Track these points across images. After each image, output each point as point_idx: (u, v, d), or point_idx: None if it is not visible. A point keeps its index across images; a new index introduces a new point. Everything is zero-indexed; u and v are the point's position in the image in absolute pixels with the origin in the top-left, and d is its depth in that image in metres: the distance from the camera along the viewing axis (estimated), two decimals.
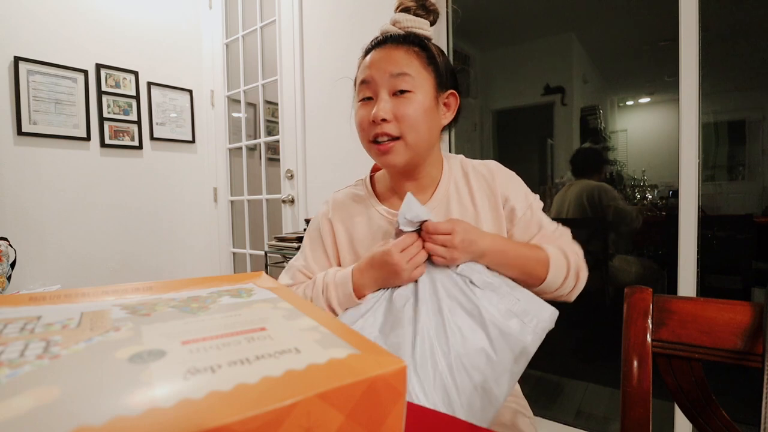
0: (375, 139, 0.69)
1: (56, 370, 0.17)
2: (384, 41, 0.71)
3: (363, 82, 0.70)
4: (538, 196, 0.77)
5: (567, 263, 0.70)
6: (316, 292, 0.72)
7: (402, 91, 0.68)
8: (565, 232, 0.76)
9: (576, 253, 0.72)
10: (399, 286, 0.66)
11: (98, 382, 0.16)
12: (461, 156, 0.81)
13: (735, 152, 1.78)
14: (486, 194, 0.75)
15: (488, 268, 0.67)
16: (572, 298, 0.73)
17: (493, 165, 0.77)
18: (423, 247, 0.65)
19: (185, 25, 2.63)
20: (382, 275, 0.66)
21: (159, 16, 2.49)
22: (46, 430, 0.13)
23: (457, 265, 0.65)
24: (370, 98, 0.70)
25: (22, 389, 0.16)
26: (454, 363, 0.58)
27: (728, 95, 1.74)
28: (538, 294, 0.70)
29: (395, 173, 0.76)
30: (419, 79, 0.68)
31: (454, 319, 0.61)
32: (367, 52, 0.73)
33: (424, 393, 0.56)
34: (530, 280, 0.69)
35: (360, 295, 0.68)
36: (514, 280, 0.70)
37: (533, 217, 0.74)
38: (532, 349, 0.63)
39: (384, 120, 0.67)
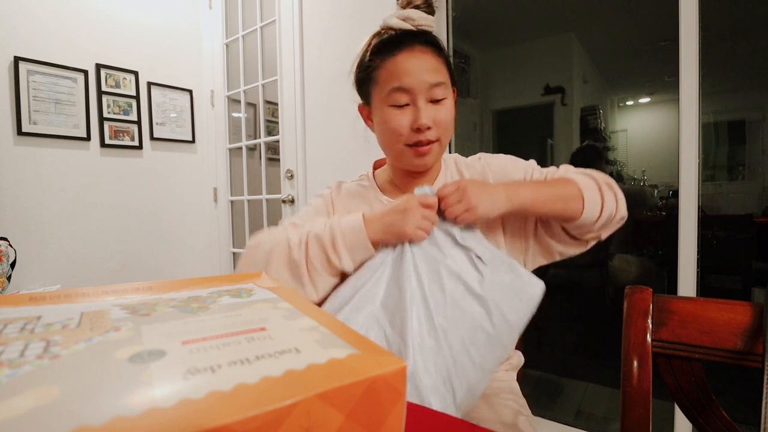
0: (415, 144, 0.71)
1: (56, 370, 0.17)
2: (408, 41, 0.70)
3: (400, 89, 0.70)
4: (533, 161, 0.78)
5: (592, 179, 0.69)
6: (316, 232, 0.67)
7: (439, 99, 0.70)
8: (569, 166, 0.76)
9: (591, 172, 0.71)
10: (398, 251, 0.65)
11: (98, 382, 0.16)
12: (455, 155, 0.84)
13: (735, 152, 1.78)
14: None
15: (521, 213, 0.68)
16: (624, 213, 0.71)
17: (483, 156, 0.80)
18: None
19: (185, 25, 2.62)
20: (392, 220, 0.65)
21: (159, 16, 2.49)
22: (46, 430, 0.13)
23: (467, 230, 0.65)
24: (405, 104, 0.70)
25: (22, 389, 0.16)
26: (453, 340, 0.58)
27: (728, 95, 1.74)
28: (589, 228, 0.69)
29: (407, 170, 0.78)
30: (448, 85, 0.72)
31: (456, 297, 0.61)
32: (386, 47, 0.71)
33: (425, 370, 0.56)
34: (572, 205, 0.66)
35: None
36: (553, 217, 0.69)
37: (534, 176, 0.75)
38: (524, 325, 0.64)
39: (428, 127, 0.70)
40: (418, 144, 0.71)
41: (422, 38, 0.71)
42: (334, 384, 0.18)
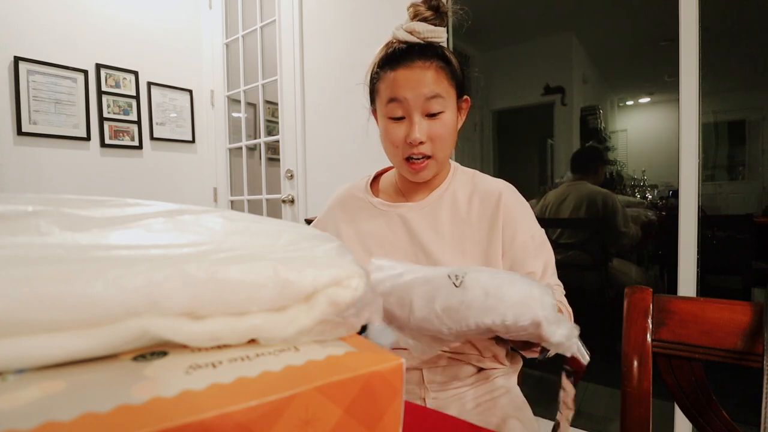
0: (409, 157, 0.71)
1: (60, 368, 0.18)
2: (410, 56, 0.69)
3: (395, 100, 0.69)
4: (546, 240, 0.75)
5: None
6: None
7: (435, 113, 0.69)
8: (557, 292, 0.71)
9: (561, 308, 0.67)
10: None
11: (103, 378, 0.17)
12: (475, 172, 0.82)
13: (735, 152, 1.78)
14: (488, 213, 0.74)
15: None
16: None
17: (506, 193, 0.76)
18: None
19: (185, 25, 2.63)
20: None
21: (159, 16, 2.50)
22: (53, 416, 0.14)
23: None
24: (401, 117, 0.70)
25: (28, 384, 0.16)
26: None
27: (728, 95, 1.73)
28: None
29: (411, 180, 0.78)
30: (448, 99, 0.70)
31: None
32: (389, 61, 0.71)
33: None
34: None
35: None
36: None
37: (531, 249, 0.72)
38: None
39: (421, 142, 0.69)
40: (411, 158, 0.71)
41: (428, 52, 0.70)
42: (332, 378, 0.18)
